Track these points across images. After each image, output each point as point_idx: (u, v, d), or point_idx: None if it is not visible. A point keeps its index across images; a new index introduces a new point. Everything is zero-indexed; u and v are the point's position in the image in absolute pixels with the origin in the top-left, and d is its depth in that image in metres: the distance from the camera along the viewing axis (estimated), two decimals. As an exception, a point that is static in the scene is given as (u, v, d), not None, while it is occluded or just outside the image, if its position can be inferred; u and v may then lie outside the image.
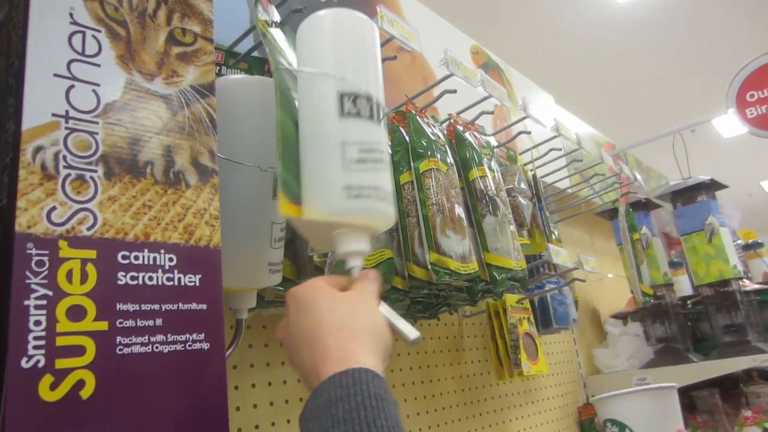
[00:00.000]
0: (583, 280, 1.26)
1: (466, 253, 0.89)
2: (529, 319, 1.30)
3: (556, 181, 1.63)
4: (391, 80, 1.20)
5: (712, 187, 1.70)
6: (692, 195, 1.71)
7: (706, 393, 1.70)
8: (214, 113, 0.56)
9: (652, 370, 1.66)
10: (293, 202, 0.53)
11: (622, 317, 1.96)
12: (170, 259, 0.47)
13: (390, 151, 0.95)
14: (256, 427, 0.85)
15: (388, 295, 0.91)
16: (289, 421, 0.89)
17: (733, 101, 1.69)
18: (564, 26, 4.37)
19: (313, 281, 0.55)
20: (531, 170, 1.33)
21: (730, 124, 6.11)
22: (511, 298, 1.26)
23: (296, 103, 0.58)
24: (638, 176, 1.72)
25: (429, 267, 0.86)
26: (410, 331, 0.54)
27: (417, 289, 0.89)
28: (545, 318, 1.34)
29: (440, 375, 1.23)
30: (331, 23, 0.59)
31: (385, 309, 0.55)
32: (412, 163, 0.92)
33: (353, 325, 0.51)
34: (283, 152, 0.54)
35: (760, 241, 2.50)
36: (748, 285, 1.74)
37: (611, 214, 1.80)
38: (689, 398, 1.79)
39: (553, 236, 1.47)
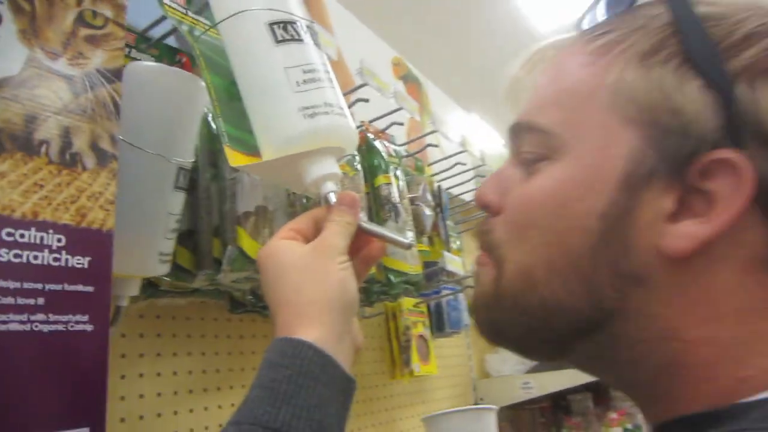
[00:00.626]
0: (463, 286, 1.34)
1: (365, 256, 0.93)
2: (424, 322, 1.36)
3: (463, 193, 1.72)
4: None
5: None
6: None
7: (580, 397, 1.85)
8: (118, 99, 0.56)
9: (535, 375, 1.79)
10: (250, 154, 0.54)
11: (514, 326, 2.09)
12: (59, 240, 0.48)
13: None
14: (141, 417, 0.84)
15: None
16: (176, 413, 0.89)
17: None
18: (490, 46, 4.57)
19: (275, 239, 0.52)
20: (437, 182, 1.39)
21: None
22: (408, 302, 1.32)
23: (229, 56, 0.58)
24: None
25: (328, 266, 0.90)
26: (402, 238, 0.54)
27: (315, 287, 0.92)
28: (440, 322, 1.42)
29: (335, 373, 1.26)
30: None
31: (367, 224, 0.53)
32: (320, 165, 0.95)
33: (301, 298, 0.48)
34: (221, 111, 0.55)
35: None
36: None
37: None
38: (566, 401, 1.94)
39: (455, 245, 1.55)
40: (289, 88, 0.53)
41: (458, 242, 1.62)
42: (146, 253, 0.63)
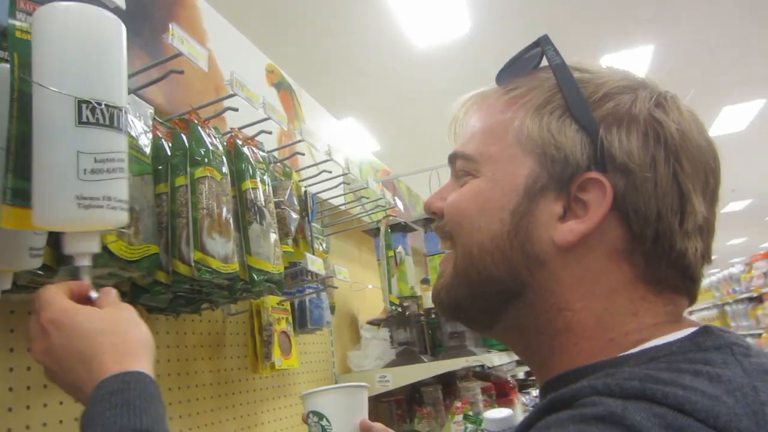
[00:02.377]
0: (336, 287, 1.45)
1: (228, 255, 1.00)
2: (287, 319, 1.44)
3: (330, 198, 1.83)
4: (183, 87, 1.26)
5: (454, 218, 2.06)
6: (438, 223, 2.05)
7: (431, 388, 2.04)
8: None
9: (391, 369, 1.94)
10: (20, 206, 0.59)
11: (376, 323, 2.23)
12: None
13: (169, 153, 1.02)
14: (-9, 411, 0.84)
15: (150, 288, 0.97)
16: (28, 407, 0.90)
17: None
18: (364, 59, 4.73)
19: (61, 303, 0.60)
20: (304, 187, 1.48)
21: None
22: (272, 300, 1.40)
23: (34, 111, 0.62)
24: (398, 202, 2.00)
25: (192, 264, 0.95)
26: None
27: (179, 284, 0.97)
28: (302, 319, 1.51)
29: (198, 368, 1.31)
30: (74, 20, 0.62)
31: None
32: (188, 169, 1.00)
33: (125, 340, 0.59)
34: (13, 164, 0.59)
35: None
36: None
37: (375, 232, 2.06)
38: (419, 393, 2.12)
39: (321, 247, 1.65)
40: (75, 173, 0.59)
41: (324, 244, 1.72)
42: (17, 247, 0.65)
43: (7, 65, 0.65)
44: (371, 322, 2.25)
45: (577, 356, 0.50)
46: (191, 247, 0.96)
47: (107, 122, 0.63)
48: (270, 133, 1.18)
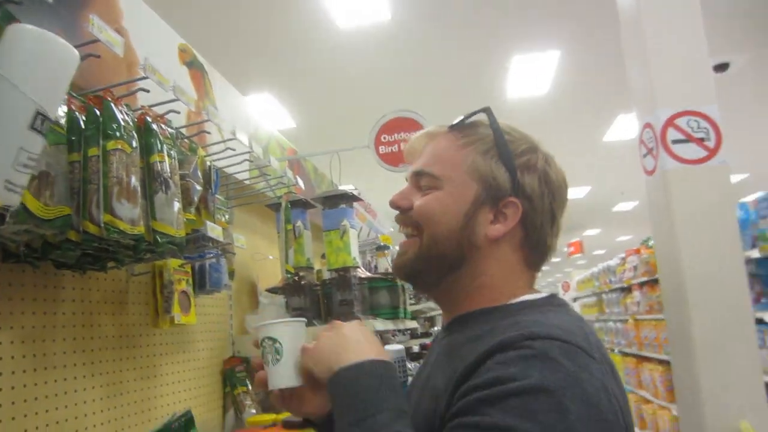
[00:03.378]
0: (234, 254, 1.62)
1: (135, 219, 1.15)
2: (187, 280, 1.60)
3: (235, 173, 1.97)
4: (97, 63, 1.36)
5: (351, 198, 2.26)
6: (336, 201, 2.25)
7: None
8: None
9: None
10: None
11: (274, 291, 2.41)
12: None
13: (83, 126, 1.14)
14: None
15: (61, 246, 1.10)
16: (-56, 344, 1.01)
17: (374, 139, 2.30)
18: (284, 36, 4.79)
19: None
20: (209, 162, 1.63)
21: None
22: (174, 262, 1.54)
23: None
24: (300, 181, 2.18)
25: (102, 225, 1.09)
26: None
27: (89, 243, 1.10)
28: (202, 281, 1.66)
29: (101, 322, 1.44)
30: (42, 44, 0.82)
31: None
32: (101, 141, 1.13)
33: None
34: None
35: (388, 245, 3.30)
36: (361, 273, 2.36)
37: (277, 207, 2.23)
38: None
39: (223, 218, 1.80)
40: (12, 163, 0.80)
41: (227, 215, 1.87)
42: None
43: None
44: (270, 290, 2.43)
45: (481, 302, 0.84)
46: (101, 210, 1.10)
47: (45, 132, 0.85)
48: (178, 112, 1.32)
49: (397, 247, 0.92)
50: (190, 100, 1.26)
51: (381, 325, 2.19)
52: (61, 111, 1.07)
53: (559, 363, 0.66)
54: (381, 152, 2.29)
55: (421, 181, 0.88)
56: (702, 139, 2.14)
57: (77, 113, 1.14)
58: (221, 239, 1.42)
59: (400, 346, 1.90)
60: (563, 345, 0.68)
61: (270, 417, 1.67)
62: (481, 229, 0.83)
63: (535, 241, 0.85)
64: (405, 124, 2.28)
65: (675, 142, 2.15)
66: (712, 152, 2.13)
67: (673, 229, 2.18)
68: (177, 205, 1.27)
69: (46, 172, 1.01)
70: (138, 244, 1.19)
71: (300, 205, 2.25)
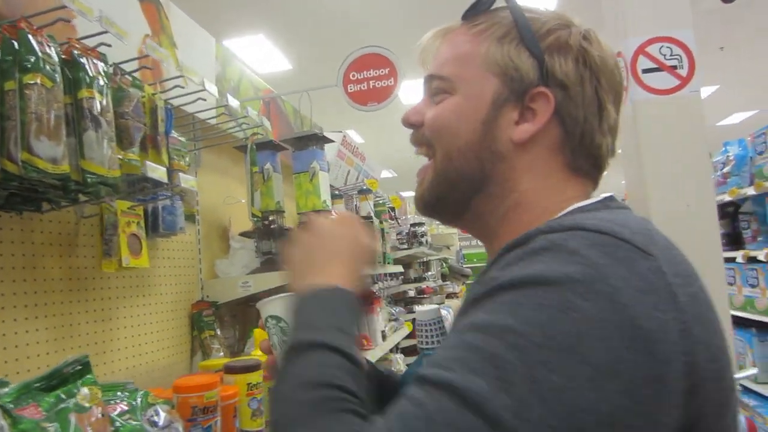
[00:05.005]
0: (182, 195, 1.57)
1: (57, 157, 1.10)
2: (138, 223, 1.56)
3: (197, 112, 1.90)
4: (22, -10, 1.28)
5: (321, 139, 2.20)
6: (305, 143, 2.18)
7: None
8: None
9: (254, 276, 2.11)
10: None
11: (247, 235, 2.38)
12: None
13: (1, 57, 1.07)
14: None
15: (-19, 184, 1.06)
16: None
17: (341, 77, 2.21)
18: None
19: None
20: (161, 100, 1.56)
21: (409, 94, 7.29)
22: (122, 204, 1.50)
23: None
24: (266, 122, 2.11)
25: (20, 164, 1.04)
26: None
27: (8, 182, 1.06)
28: (155, 224, 1.62)
29: (47, 264, 1.41)
30: None
31: None
32: (17, 75, 1.07)
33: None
34: None
35: (369, 188, 3.25)
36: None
37: (244, 149, 2.17)
38: (281, 299, 2.32)
39: (183, 161, 1.75)
40: None
41: (186, 158, 1.82)
42: None
43: None
44: (242, 234, 2.40)
45: (519, 226, 0.65)
46: (18, 147, 1.05)
47: None
48: (109, 45, 1.25)
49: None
50: (119, 32, 1.18)
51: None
52: (-29, 41, 1.00)
53: (580, 254, 0.50)
54: (350, 91, 2.20)
55: (432, 87, 0.74)
56: (674, 67, 2.02)
57: (-7, 45, 1.08)
58: (164, 180, 1.36)
59: (434, 307, 1.81)
60: (596, 236, 0.52)
61: (219, 362, 1.67)
62: (504, 133, 0.68)
63: (579, 140, 0.68)
64: (374, 61, 2.17)
65: (646, 71, 2.02)
66: (684, 81, 2.00)
67: (641, 166, 2.09)
68: (110, 145, 1.22)
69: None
70: (65, 184, 1.15)
71: (269, 147, 2.19)
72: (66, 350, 1.44)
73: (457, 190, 0.72)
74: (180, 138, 1.73)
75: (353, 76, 2.18)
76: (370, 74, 2.16)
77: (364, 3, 5.09)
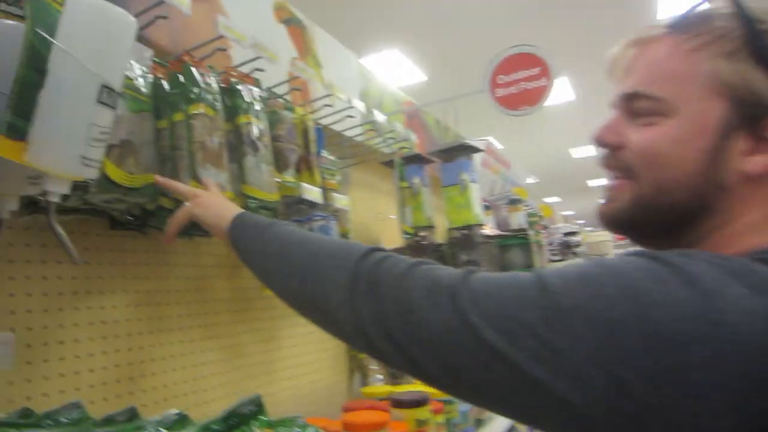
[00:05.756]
0: (336, 215, 1.57)
1: (222, 183, 1.13)
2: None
3: (345, 130, 1.91)
4: (185, 28, 1.36)
5: (468, 149, 2.10)
6: (453, 154, 2.10)
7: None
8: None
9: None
10: (13, 138, 0.71)
11: (399, 252, 2.35)
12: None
13: (168, 92, 1.13)
14: (29, 311, 1.02)
15: (156, 212, 1.11)
16: (61, 309, 1.07)
17: (488, 81, 2.09)
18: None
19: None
20: (311, 120, 1.58)
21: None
22: (281, 226, 1.53)
23: (51, 65, 0.75)
24: (413, 135, 2.07)
25: (189, 191, 1.08)
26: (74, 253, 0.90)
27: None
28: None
29: (215, 285, 1.47)
30: (101, 16, 0.81)
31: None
32: (184, 106, 1.12)
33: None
34: (15, 102, 0.72)
35: (521, 198, 3.08)
36: (488, 231, 2.21)
37: (392, 164, 2.15)
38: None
39: (333, 179, 1.76)
40: (85, 139, 0.79)
41: (338, 176, 1.83)
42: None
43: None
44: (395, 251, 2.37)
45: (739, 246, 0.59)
46: (187, 176, 1.09)
47: (113, 105, 0.84)
48: (263, 70, 1.27)
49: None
50: (271, 56, 1.20)
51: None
52: (143, 80, 1.06)
53: (630, 276, 0.49)
54: (498, 95, 2.08)
55: (635, 106, 0.65)
56: None
57: (163, 80, 1.14)
58: (319, 201, 1.36)
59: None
60: (659, 264, 0.50)
61: (383, 390, 1.62)
62: (734, 164, 0.59)
63: None
64: (524, 61, 2.03)
65: None
66: None
67: None
68: (266, 168, 1.23)
69: (128, 141, 1.01)
70: (229, 209, 1.17)
71: (416, 160, 2.14)
72: (234, 370, 1.49)
73: (663, 218, 0.64)
74: (329, 157, 1.75)
75: (500, 79, 2.06)
76: (519, 76, 2.03)
77: (493, 11, 4.95)
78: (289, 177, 1.39)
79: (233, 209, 0.96)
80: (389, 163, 2.23)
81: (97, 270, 1.16)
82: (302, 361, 1.78)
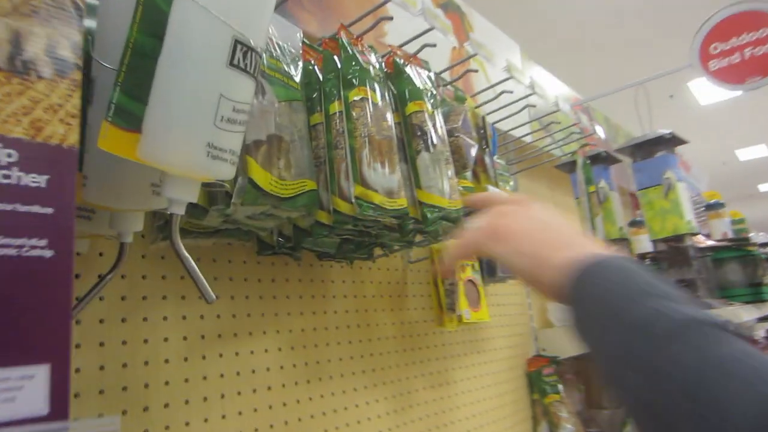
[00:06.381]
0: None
1: (393, 188, 0.85)
2: (473, 266, 1.27)
3: (513, 129, 1.59)
4: (338, 11, 1.13)
5: (671, 141, 1.67)
6: (651, 149, 1.68)
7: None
8: (80, 1, 0.49)
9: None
10: (128, 129, 0.49)
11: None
12: (8, 155, 0.42)
13: (321, 79, 0.89)
14: (166, 360, 0.81)
15: (313, 230, 0.87)
16: (204, 357, 0.86)
17: (697, 53, 1.64)
18: None
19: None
20: (481, 114, 1.28)
21: (707, 91, 6.10)
22: (454, 244, 1.23)
23: (171, 26, 0.51)
24: (598, 128, 1.68)
25: (353, 201, 0.82)
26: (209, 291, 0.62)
27: (341, 224, 0.84)
28: (490, 266, 1.32)
29: (379, 320, 1.20)
30: None
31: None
32: (342, 92, 0.87)
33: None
34: (125, 77, 0.49)
35: (722, 201, 2.51)
36: (703, 242, 1.74)
37: (570, 167, 1.77)
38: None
39: (508, 186, 1.44)
40: (212, 118, 0.52)
41: (511, 183, 1.51)
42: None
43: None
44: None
45: None
46: (351, 180, 0.83)
47: (252, 70, 0.55)
48: (434, 45, 0.99)
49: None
50: (444, 26, 0.91)
51: (745, 313, 1.55)
52: (293, 63, 0.83)
53: None
54: (712, 68, 1.62)
55: None
56: None
57: (315, 66, 0.91)
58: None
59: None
60: None
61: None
62: None
63: None
64: (747, 21, 1.55)
65: None
66: None
67: None
68: (448, 168, 0.94)
69: (277, 136, 0.77)
70: (403, 222, 0.90)
71: (601, 160, 1.75)
72: (407, 424, 1.20)
73: None
74: (499, 161, 1.43)
75: (715, 48, 1.61)
76: (743, 40, 1.56)
77: (616, 6, 4.35)
78: (466, 181, 1.10)
79: (572, 248, 0.52)
80: (564, 167, 1.85)
81: (243, 305, 0.94)
82: (481, 409, 1.45)
